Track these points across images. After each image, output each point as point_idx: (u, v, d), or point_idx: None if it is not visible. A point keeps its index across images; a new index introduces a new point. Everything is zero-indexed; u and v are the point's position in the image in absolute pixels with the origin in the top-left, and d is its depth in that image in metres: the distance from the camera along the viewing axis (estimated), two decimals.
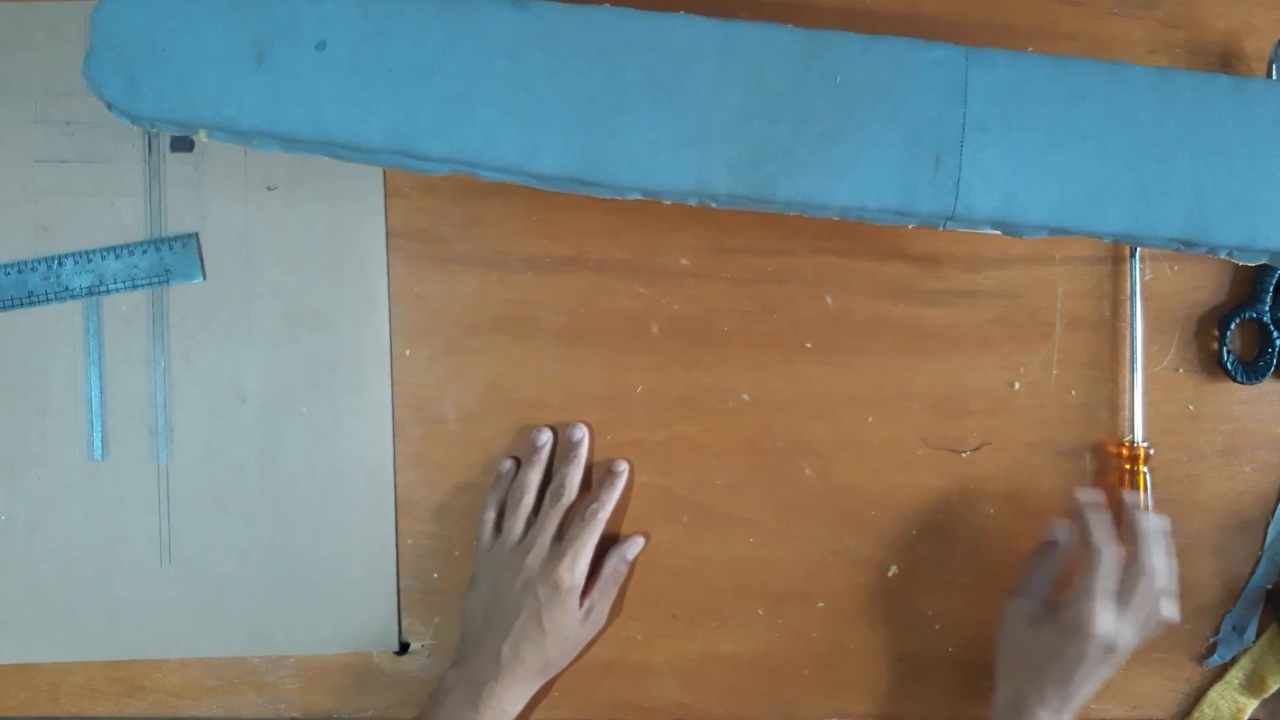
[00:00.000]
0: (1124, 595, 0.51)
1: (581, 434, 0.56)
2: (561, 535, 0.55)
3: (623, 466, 0.57)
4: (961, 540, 0.58)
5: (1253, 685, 0.59)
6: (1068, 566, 0.55)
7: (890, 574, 0.58)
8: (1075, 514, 0.54)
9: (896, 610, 0.58)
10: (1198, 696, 0.60)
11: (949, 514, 0.58)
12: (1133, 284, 0.57)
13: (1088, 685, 0.51)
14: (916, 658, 0.59)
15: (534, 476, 0.56)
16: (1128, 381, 0.58)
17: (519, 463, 0.57)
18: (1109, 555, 0.52)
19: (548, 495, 0.56)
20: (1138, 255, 0.57)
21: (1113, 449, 0.58)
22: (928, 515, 0.58)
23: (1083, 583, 0.52)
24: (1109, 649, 0.51)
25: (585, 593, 0.55)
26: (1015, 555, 0.58)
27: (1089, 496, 0.54)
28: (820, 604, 0.58)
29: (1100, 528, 0.53)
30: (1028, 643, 0.53)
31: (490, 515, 0.56)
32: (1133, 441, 0.57)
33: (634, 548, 0.57)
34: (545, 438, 0.56)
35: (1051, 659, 0.51)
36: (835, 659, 0.58)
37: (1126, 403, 0.58)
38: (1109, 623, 0.51)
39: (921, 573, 0.58)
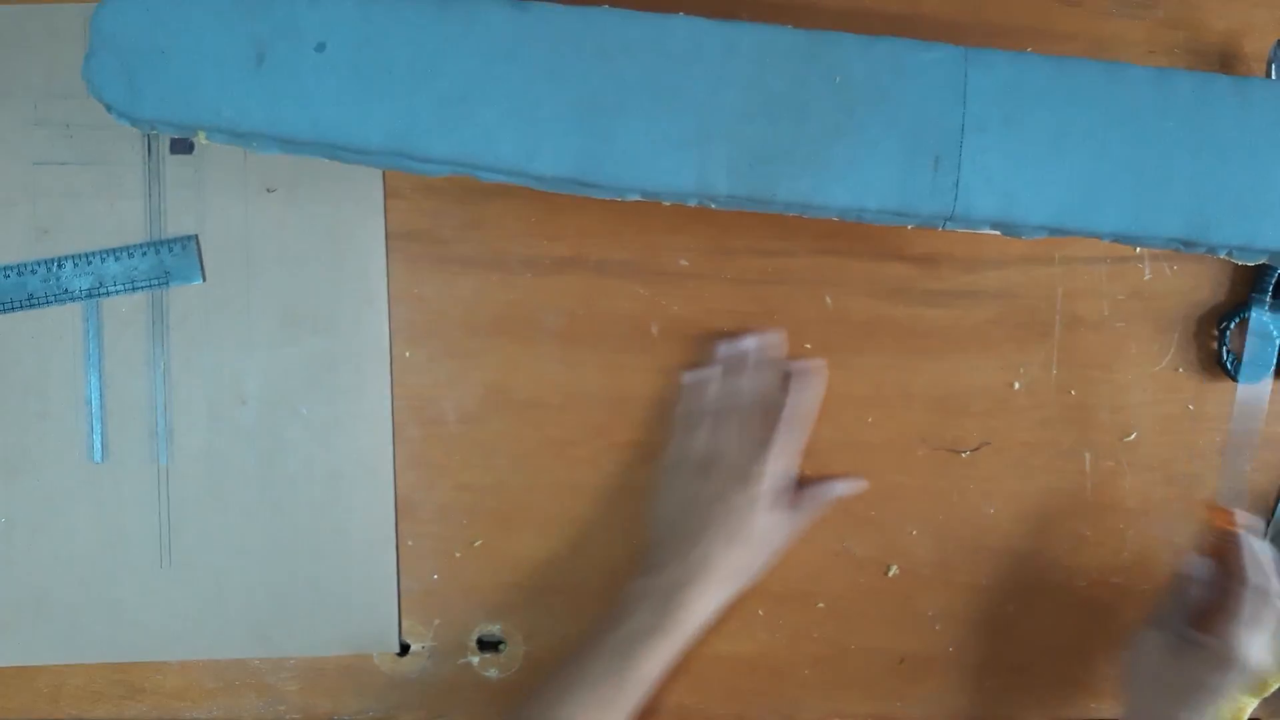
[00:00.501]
0: (1264, 623, 0.51)
1: (760, 341, 0.56)
2: (755, 438, 0.54)
3: (806, 365, 0.55)
4: (961, 540, 0.58)
5: (1253, 684, 0.59)
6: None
7: (890, 574, 0.58)
8: (1220, 541, 0.53)
9: (896, 610, 0.58)
10: None
11: (949, 514, 0.58)
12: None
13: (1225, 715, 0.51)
14: (916, 658, 0.59)
15: (719, 383, 0.55)
16: (1128, 380, 0.58)
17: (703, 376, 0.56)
18: (1258, 585, 0.51)
19: (735, 400, 0.55)
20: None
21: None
22: (928, 515, 0.58)
23: (1230, 612, 0.51)
24: (1261, 680, 0.50)
25: (783, 504, 0.54)
26: (1015, 555, 0.58)
27: (1241, 519, 0.54)
28: (820, 604, 0.58)
29: (1248, 555, 0.52)
30: (1167, 672, 0.52)
31: (684, 422, 0.55)
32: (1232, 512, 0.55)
33: (848, 485, 0.56)
34: (731, 347, 0.56)
35: (1194, 688, 0.51)
36: (835, 659, 0.58)
37: (1126, 402, 0.58)
38: (1262, 653, 0.50)
39: (921, 573, 0.58)
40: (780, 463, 0.53)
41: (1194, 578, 0.55)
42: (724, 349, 0.56)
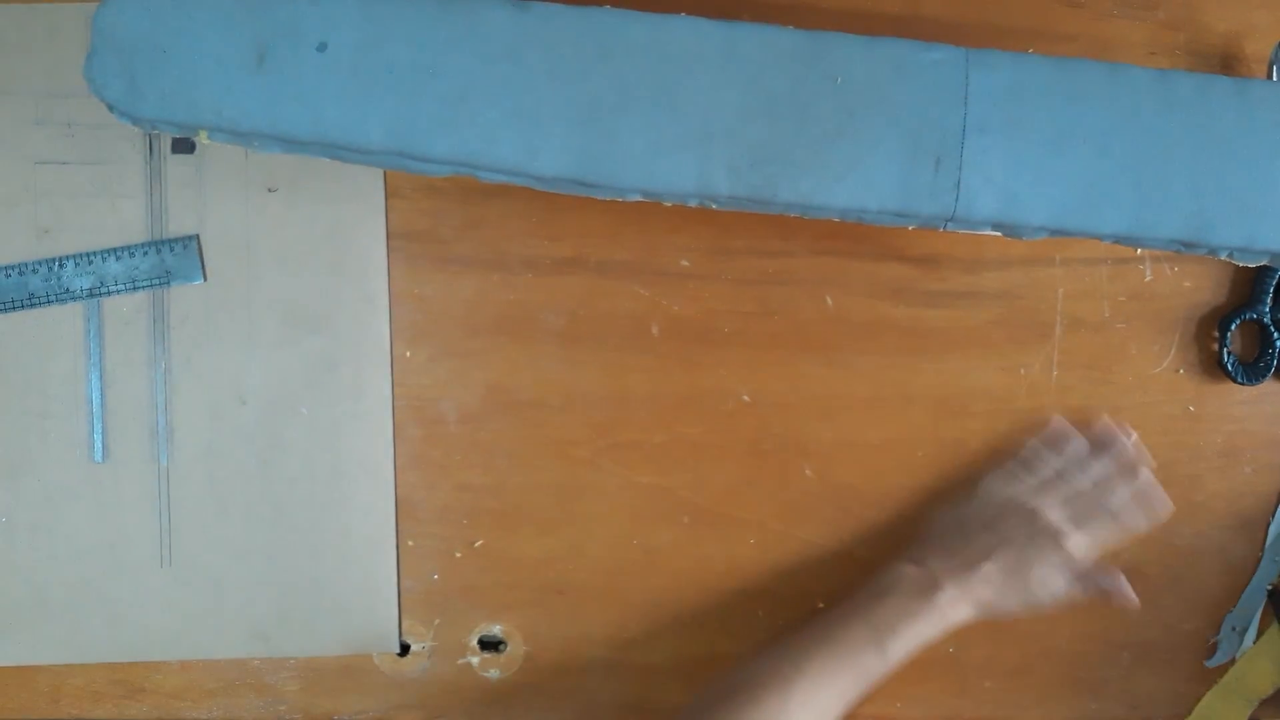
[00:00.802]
0: None
1: (1138, 451, 0.57)
2: (1080, 515, 0.54)
3: (1158, 493, 0.55)
4: None
5: (1252, 686, 0.59)
6: None
7: None
8: None
9: None
10: (1198, 698, 0.60)
11: None
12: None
13: None
14: (916, 658, 0.59)
15: (1088, 453, 0.56)
16: (1128, 382, 0.58)
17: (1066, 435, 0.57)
18: None
19: (1085, 473, 0.56)
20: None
21: None
22: (928, 515, 0.58)
23: None
24: None
25: (1066, 573, 0.54)
26: None
27: None
28: (820, 604, 0.58)
29: None
30: None
31: (1033, 455, 0.56)
32: None
33: (1127, 592, 0.54)
34: (1112, 431, 0.56)
35: None
36: None
37: (1127, 403, 0.58)
38: None
39: None
40: (1085, 543, 0.54)
41: None
42: (1104, 428, 0.57)
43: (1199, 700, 0.59)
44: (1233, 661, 0.60)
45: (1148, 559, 0.59)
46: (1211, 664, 0.59)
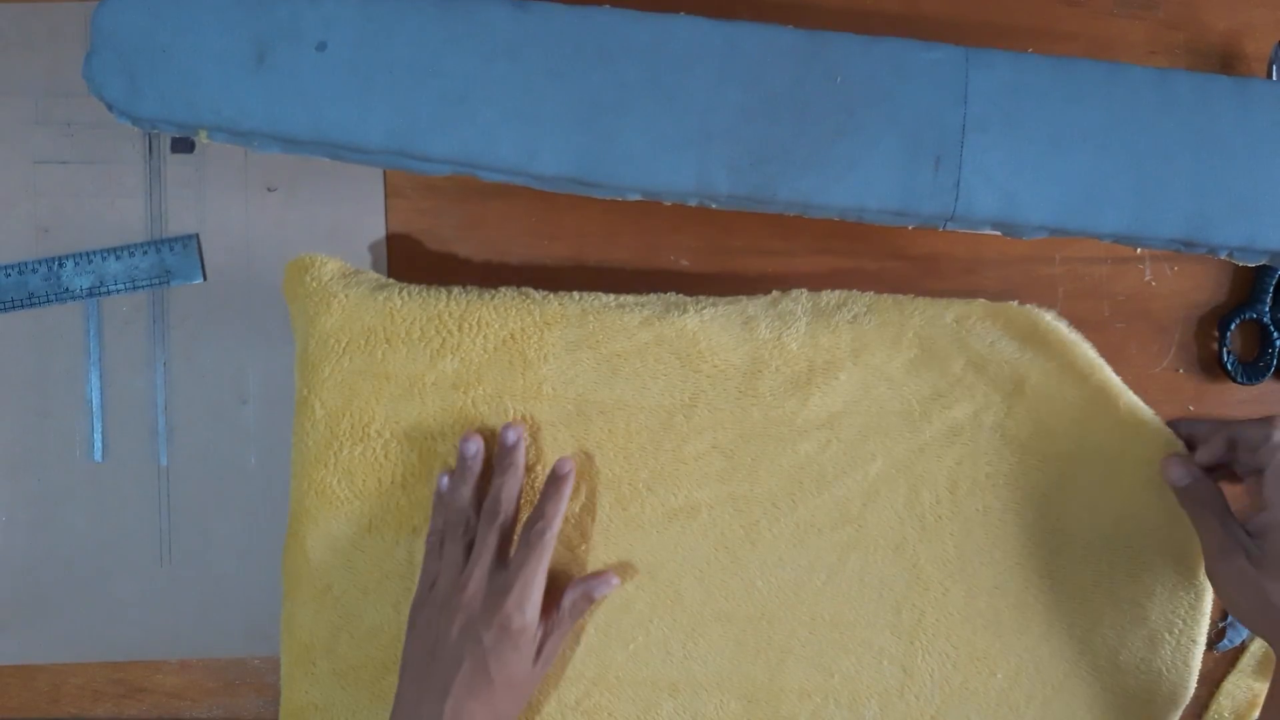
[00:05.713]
0: None
1: (516, 435, 0.49)
2: (505, 562, 0.47)
3: (567, 467, 0.49)
4: None
5: (1265, 668, 0.59)
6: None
7: None
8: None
9: None
10: (1198, 697, 0.59)
11: None
12: None
13: None
14: None
15: (466, 493, 0.48)
16: (1128, 381, 0.58)
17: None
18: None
19: (482, 515, 0.48)
20: None
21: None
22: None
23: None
24: None
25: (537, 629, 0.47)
26: None
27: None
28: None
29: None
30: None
31: (435, 543, 0.49)
32: None
33: (603, 587, 0.49)
34: (474, 446, 0.49)
35: None
36: None
37: None
38: None
39: None
40: (534, 589, 0.46)
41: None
42: (468, 450, 0.49)
43: (1216, 690, 0.59)
44: (1243, 646, 0.59)
45: None
46: (1221, 649, 0.59)
